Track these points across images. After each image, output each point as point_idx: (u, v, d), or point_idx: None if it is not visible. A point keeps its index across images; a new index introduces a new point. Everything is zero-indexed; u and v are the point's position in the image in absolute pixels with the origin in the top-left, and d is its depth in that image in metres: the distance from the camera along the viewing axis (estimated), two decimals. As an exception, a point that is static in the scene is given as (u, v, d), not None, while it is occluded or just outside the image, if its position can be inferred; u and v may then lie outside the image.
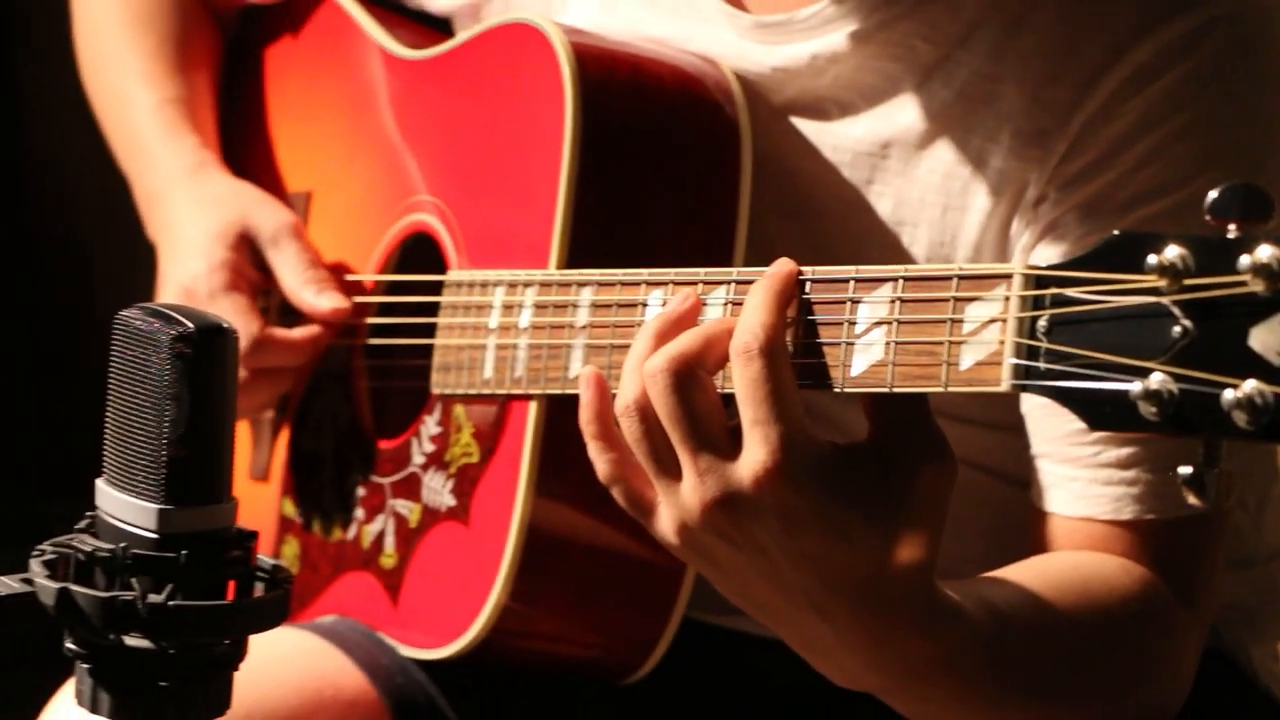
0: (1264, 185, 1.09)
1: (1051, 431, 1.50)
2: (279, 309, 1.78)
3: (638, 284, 1.42)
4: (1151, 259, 1.10)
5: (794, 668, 1.38)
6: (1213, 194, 1.09)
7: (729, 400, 1.25)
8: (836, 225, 1.58)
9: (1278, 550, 1.70)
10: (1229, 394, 1.07)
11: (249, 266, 1.76)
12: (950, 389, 1.21)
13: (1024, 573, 1.41)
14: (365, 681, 1.64)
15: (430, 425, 1.64)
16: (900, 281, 1.25)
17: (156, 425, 1.12)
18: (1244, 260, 1.07)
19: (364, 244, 1.77)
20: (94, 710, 1.14)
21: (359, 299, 1.75)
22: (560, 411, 1.53)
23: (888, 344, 1.24)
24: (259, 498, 1.82)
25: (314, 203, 1.84)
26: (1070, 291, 1.15)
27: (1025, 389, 1.17)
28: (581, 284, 1.47)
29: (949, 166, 1.53)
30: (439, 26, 1.81)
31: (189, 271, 1.74)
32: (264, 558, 1.17)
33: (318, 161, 1.86)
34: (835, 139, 1.57)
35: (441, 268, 1.66)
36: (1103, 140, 1.48)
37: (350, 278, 1.77)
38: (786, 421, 1.22)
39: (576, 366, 1.47)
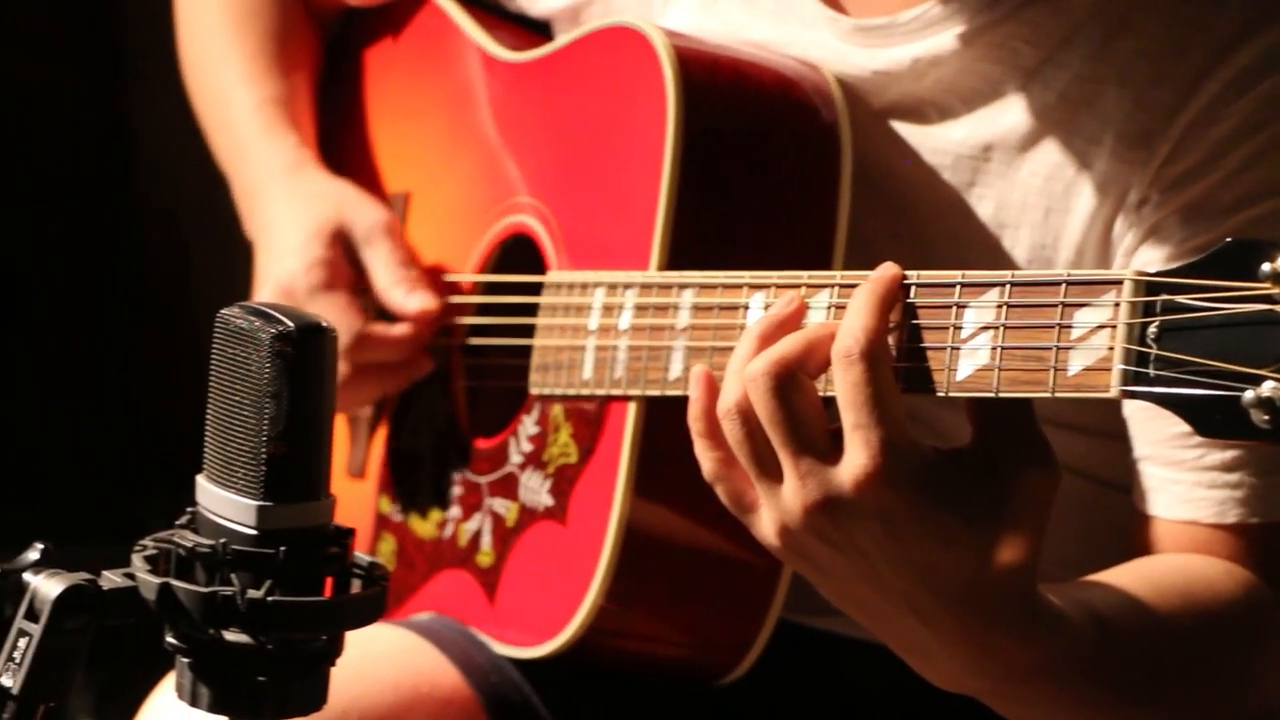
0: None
1: (1155, 434, 1.49)
2: (378, 306, 1.79)
3: (739, 287, 1.42)
4: (1265, 267, 1.10)
5: (890, 671, 1.37)
6: None
7: (831, 404, 1.25)
8: (937, 228, 1.57)
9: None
10: (1343, 402, 1.06)
11: (345, 264, 1.77)
12: (1058, 394, 1.20)
13: (1126, 576, 1.40)
14: (460, 679, 1.64)
15: (528, 425, 1.64)
16: (1007, 286, 1.24)
17: (256, 422, 1.13)
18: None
19: (463, 244, 1.77)
20: (193, 704, 1.15)
21: (458, 299, 1.76)
22: (659, 413, 1.53)
23: (994, 349, 1.24)
24: (356, 495, 1.83)
25: (413, 203, 1.85)
26: (1181, 298, 1.14)
27: (1134, 395, 1.17)
28: (683, 286, 1.47)
29: (1051, 169, 1.52)
30: (538, 29, 1.81)
31: (287, 269, 1.75)
32: (361, 555, 1.17)
33: (417, 162, 1.87)
34: (936, 142, 1.56)
35: (541, 269, 1.66)
36: (1206, 143, 1.47)
37: (449, 278, 1.77)
38: (887, 425, 1.22)
39: (676, 368, 1.47)
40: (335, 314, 1.72)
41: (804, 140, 1.58)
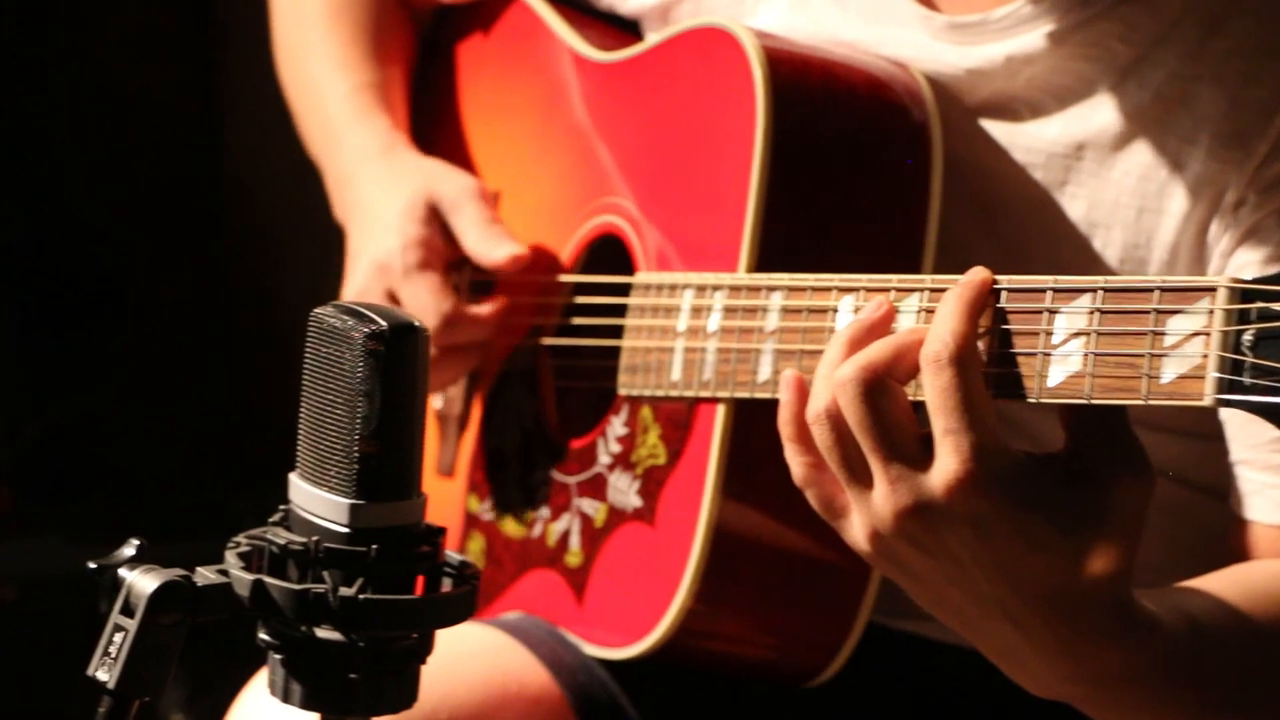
0: None
1: (1252, 439, 1.47)
2: (470, 285, 1.79)
3: (829, 289, 1.41)
4: (1367, 273, 1.09)
5: (981, 676, 1.36)
6: None
7: (921, 408, 1.24)
8: (1028, 227, 1.56)
9: None
10: None
11: (440, 240, 1.77)
12: (1150, 402, 1.19)
13: (1222, 582, 1.38)
14: (549, 678, 1.65)
15: (617, 426, 1.65)
16: (1100, 293, 1.23)
17: (349, 421, 1.13)
18: None
19: (552, 244, 1.78)
20: (285, 700, 1.16)
21: (546, 299, 1.76)
22: (747, 415, 1.53)
23: (1086, 355, 1.23)
24: (445, 494, 1.84)
25: (503, 202, 1.85)
26: (1277, 305, 1.13)
27: (1229, 404, 1.15)
28: (771, 288, 1.47)
29: (1145, 169, 1.51)
30: (628, 28, 1.82)
31: (383, 248, 1.76)
32: (451, 553, 1.18)
33: (508, 162, 1.87)
34: (1028, 140, 1.55)
35: (629, 269, 1.67)
36: (1305, 144, 1.45)
37: (537, 278, 1.78)
38: (978, 431, 1.21)
39: (765, 370, 1.47)
40: (428, 295, 1.72)
41: (894, 140, 1.57)
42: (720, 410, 1.54)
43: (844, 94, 1.58)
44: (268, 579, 1.14)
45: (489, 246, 1.74)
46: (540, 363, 1.78)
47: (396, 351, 1.13)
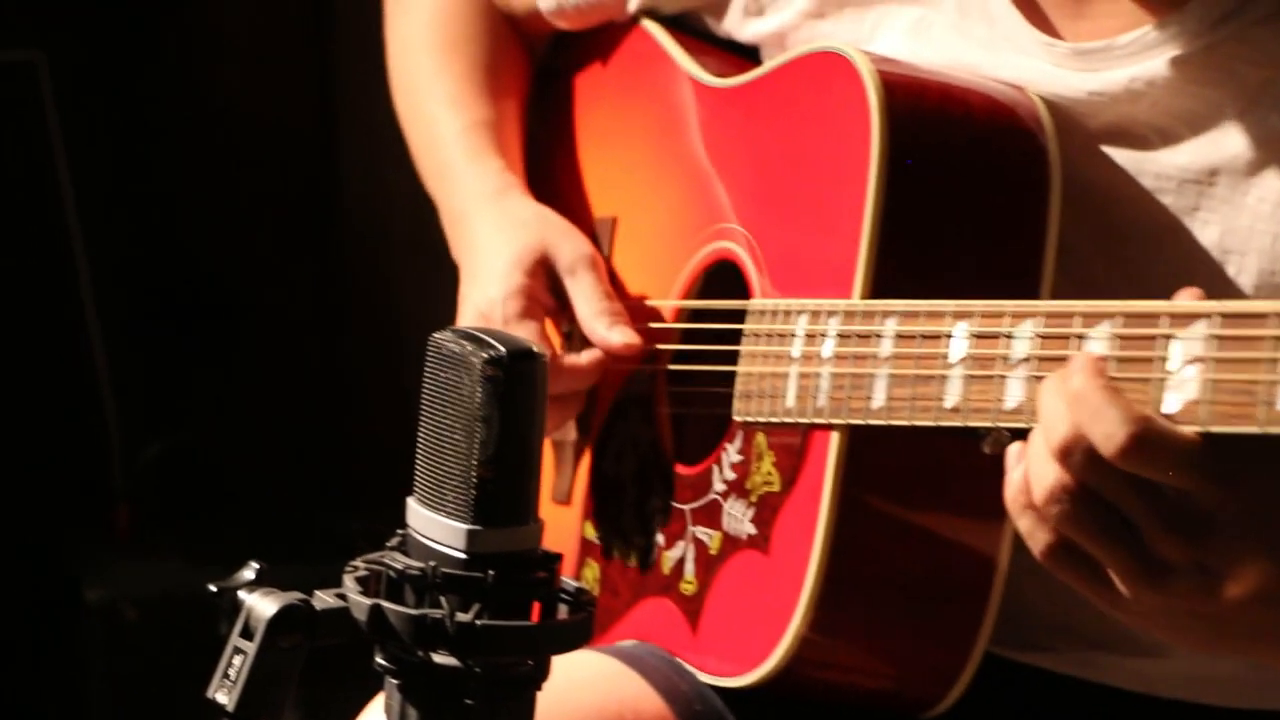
0: None
1: None
2: (575, 334, 1.80)
3: (943, 315, 1.40)
4: None
5: (1099, 708, 1.35)
6: None
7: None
8: (1155, 254, 1.54)
9: None
10: None
11: (545, 293, 1.78)
12: (1267, 430, 1.18)
13: None
14: (664, 707, 1.64)
15: (731, 453, 1.64)
16: (1216, 318, 1.22)
17: (467, 446, 1.14)
18: None
19: (668, 270, 1.78)
20: (402, 725, 1.16)
21: (662, 325, 1.77)
22: (862, 442, 1.52)
23: (1203, 381, 1.21)
24: (561, 520, 1.84)
25: (619, 228, 1.86)
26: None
27: None
28: (885, 314, 1.46)
29: None
30: (746, 54, 1.82)
31: (487, 296, 1.77)
32: (568, 580, 1.18)
33: (624, 187, 1.88)
34: (1159, 166, 1.54)
35: (745, 295, 1.66)
36: None
37: (653, 303, 1.78)
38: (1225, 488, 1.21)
39: (880, 398, 1.46)
40: None
41: (1011, 164, 1.56)
42: (834, 437, 1.53)
43: (960, 116, 1.57)
44: (385, 603, 1.14)
45: (603, 326, 1.75)
46: (656, 389, 1.78)
47: (515, 377, 1.14)
